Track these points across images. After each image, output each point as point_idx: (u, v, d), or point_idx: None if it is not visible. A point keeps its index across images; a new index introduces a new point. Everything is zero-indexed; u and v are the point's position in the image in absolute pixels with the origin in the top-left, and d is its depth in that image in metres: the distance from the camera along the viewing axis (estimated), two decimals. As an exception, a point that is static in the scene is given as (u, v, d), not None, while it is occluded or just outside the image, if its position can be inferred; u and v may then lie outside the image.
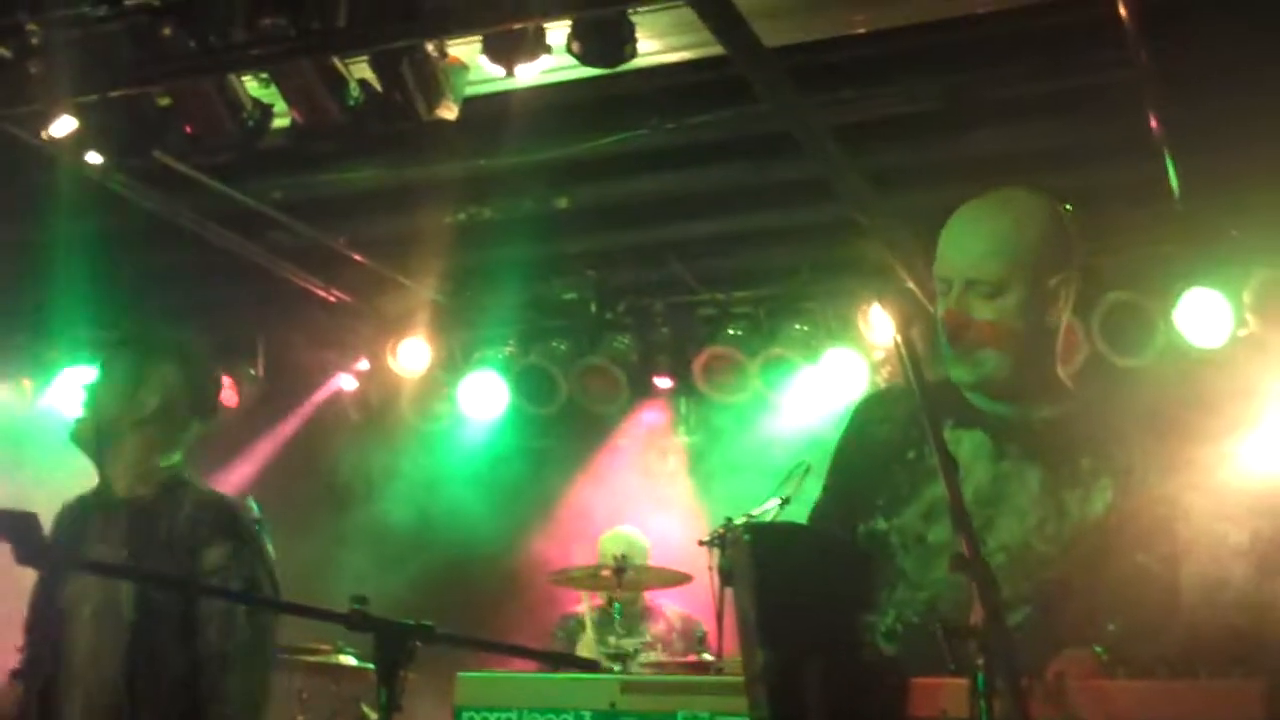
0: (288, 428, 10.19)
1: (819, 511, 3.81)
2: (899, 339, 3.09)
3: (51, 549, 3.02)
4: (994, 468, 3.51)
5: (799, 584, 2.89)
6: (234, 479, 9.49)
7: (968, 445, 3.53)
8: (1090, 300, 7.99)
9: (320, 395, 10.26)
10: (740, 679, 3.11)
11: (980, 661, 2.73)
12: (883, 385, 4.01)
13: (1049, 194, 3.65)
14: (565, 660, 5.57)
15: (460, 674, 3.30)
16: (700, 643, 7.86)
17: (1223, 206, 7.72)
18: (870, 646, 3.03)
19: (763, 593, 2.85)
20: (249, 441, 10.08)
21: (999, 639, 2.72)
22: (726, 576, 3.05)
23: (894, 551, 3.49)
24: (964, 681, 2.74)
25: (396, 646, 3.42)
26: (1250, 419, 7.66)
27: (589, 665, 4.40)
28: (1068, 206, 3.63)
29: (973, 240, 3.56)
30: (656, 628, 8.40)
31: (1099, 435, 3.58)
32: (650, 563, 8.25)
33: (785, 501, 7.62)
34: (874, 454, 3.69)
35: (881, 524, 3.58)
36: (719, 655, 7.23)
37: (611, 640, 7.62)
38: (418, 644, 3.46)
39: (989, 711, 2.70)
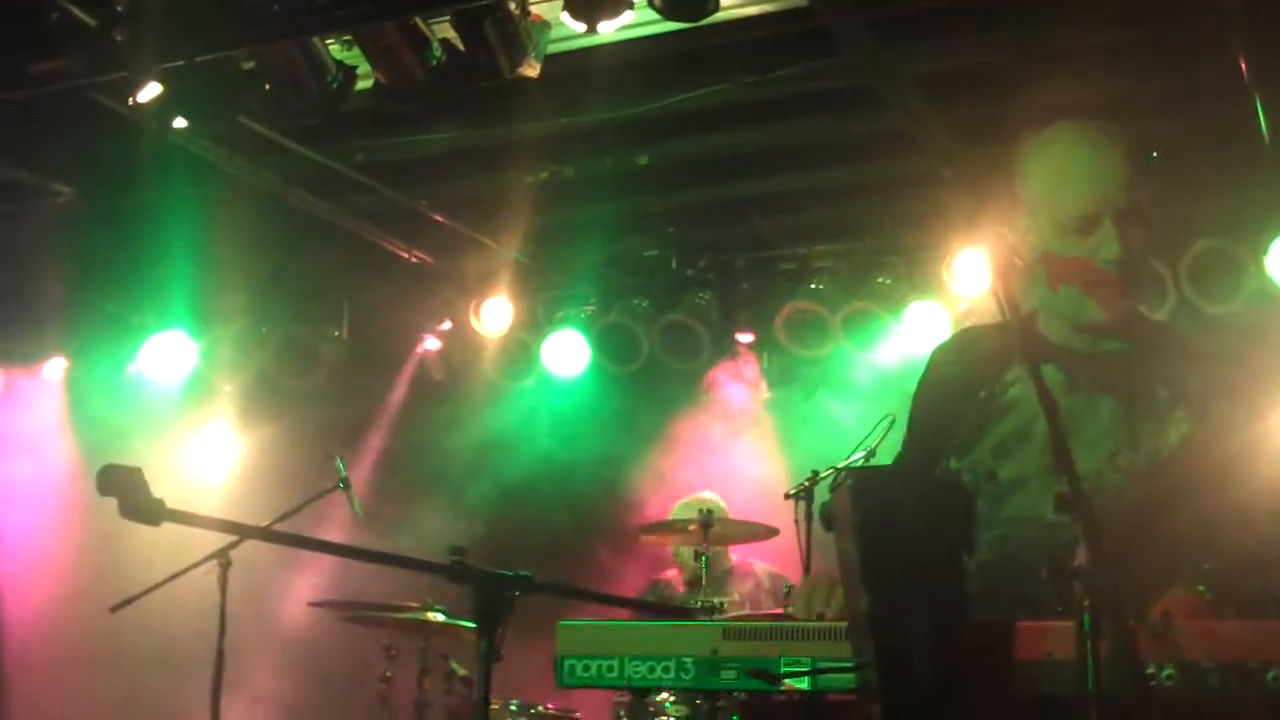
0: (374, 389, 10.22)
1: (901, 453, 3.85)
2: (1001, 286, 3.05)
3: (156, 503, 3.05)
4: (1066, 401, 3.44)
5: (902, 528, 2.87)
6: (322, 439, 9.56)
7: (1051, 380, 3.47)
8: (1179, 247, 7.91)
9: (405, 356, 10.29)
10: (843, 625, 3.12)
11: (1087, 603, 2.72)
12: (963, 328, 3.96)
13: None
14: (663, 610, 5.62)
15: (561, 622, 3.31)
16: (787, 596, 7.86)
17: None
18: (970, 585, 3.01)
19: (866, 538, 2.84)
20: (334, 401, 10.14)
21: (1105, 580, 2.71)
22: (828, 522, 3.03)
23: (960, 483, 3.50)
24: (1069, 623, 2.73)
25: (496, 597, 3.46)
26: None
27: (687, 614, 4.44)
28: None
29: (1059, 175, 3.49)
30: (744, 586, 8.42)
31: (1174, 366, 3.55)
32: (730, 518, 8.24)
33: (870, 454, 7.61)
34: (947, 396, 3.69)
35: (954, 463, 3.60)
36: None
37: (698, 602, 7.62)
38: (516, 594, 3.51)
39: (1095, 653, 2.69)
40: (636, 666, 3.25)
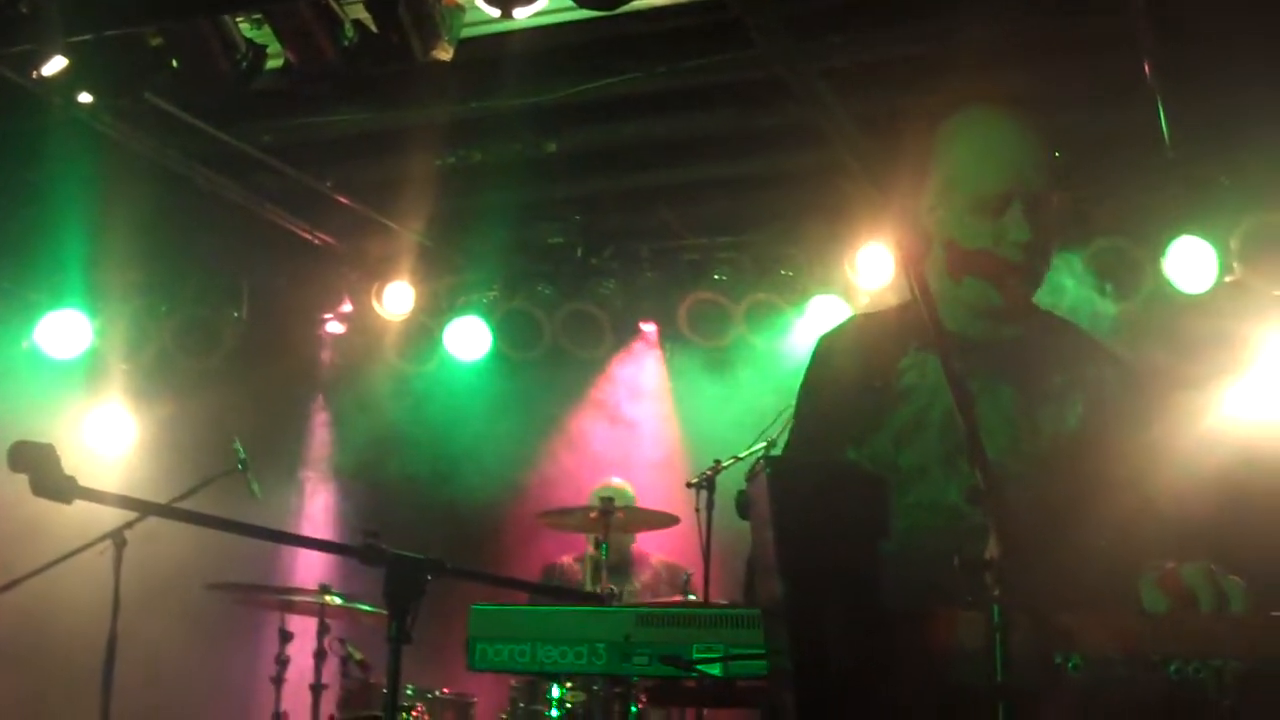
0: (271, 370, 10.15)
1: (794, 443, 3.79)
2: (915, 281, 3.07)
3: (68, 480, 3.03)
4: (981, 390, 3.44)
5: (818, 516, 2.89)
6: (219, 420, 9.48)
7: (933, 368, 3.48)
8: (1079, 244, 8.02)
9: (304, 337, 10.22)
10: (756, 612, 3.15)
11: (997, 594, 2.76)
12: (849, 316, 3.94)
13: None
14: (573, 596, 5.63)
15: (474, 606, 3.31)
16: (685, 585, 7.90)
17: (1213, 154, 7.75)
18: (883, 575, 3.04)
19: (782, 526, 2.86)
20: (231, 382, 10.05)
21: (1017, 572, 2.75)
22: (743, 511, 3.06)
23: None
24: (979, 614, 2.77)
25: (407, 580, 3.46)
26: (1233, 365, 7.74)
27: (598, 601, 4.46)
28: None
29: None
30: (643, 576, 8.45)
31: (1069, 352, 3.58)
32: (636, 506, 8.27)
33: (771, 444, 7.66)
34: (840, 384, 3.62)
35: (851, 452, 3.55)
36: (705, 597, 7.30)
37: (599, 589, 7.64)
38: (428, 577, 3.51)
39: (1004, 644, 2.73)
40: (549, 651, 3.26)
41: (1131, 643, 2.90)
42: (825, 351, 3.76)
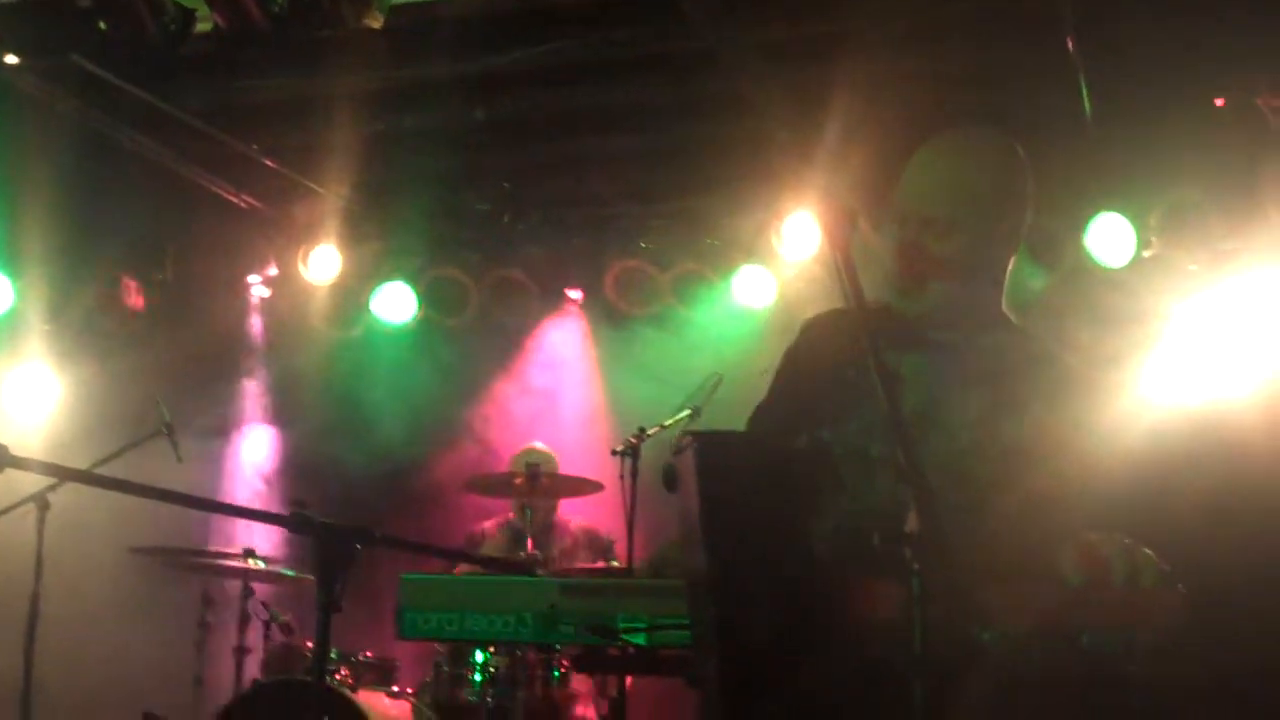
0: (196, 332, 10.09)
1: (764, 414, 3.94)
2: (838, 253, 3.15)
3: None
4: (932, 391, 3.63)
5: (744, 490, 2.96)
6: (143, 382, 9.43)
7: (908, 368, 3.64)
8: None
9: (228, 301, 10.17)
10: (680, 583, 3.21)
11: (916, 567, 2.83)
12: (836, 306, 4.04)
13: (1009, 138, 3.76)
14: (501, 565, 5.67)
15: (404, 575, 3.36)
16: (608, 552, 7.95)
17: (1133, 130, 7.84)
18: (811, 551, 3.10)
19: (709, 498, 2.93)
20: (156, 345, 9.99)
21: (934, 546, 2.82)
22: (670, 482, 3.13)
23: (836, 462, 3.60)
24: (898, 586, 2.84)
25: (337, 548, 3.48)
26: (1148, 340, 7.84)
27: (525, 569, 4.51)
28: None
29: (931, 180, 3.68)
30: (563, 542, 8.48)
31: (1030, 361, 3.70)
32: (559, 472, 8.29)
33: (695, 413, 7.73)
34: (820, 367, 3.78)
35: (825, 434, 3.69)
36: (628, 564, 7.36)
37: (521, 555, 7.66)
38: (358, 546, 3.53)
39: (922, 615, 2.80)
40: (477, 620, 3.31)
41: (1045, 615, 2.99)
42: (808, 335, 3.96)
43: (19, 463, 3.04)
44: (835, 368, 3.73)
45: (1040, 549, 3.34)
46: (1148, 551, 3.21)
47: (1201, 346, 7.80)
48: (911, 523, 2.87)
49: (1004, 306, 3.81)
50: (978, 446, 3.58)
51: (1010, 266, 3.78)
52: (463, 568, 6.71)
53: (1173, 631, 2.97)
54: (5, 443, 3.13)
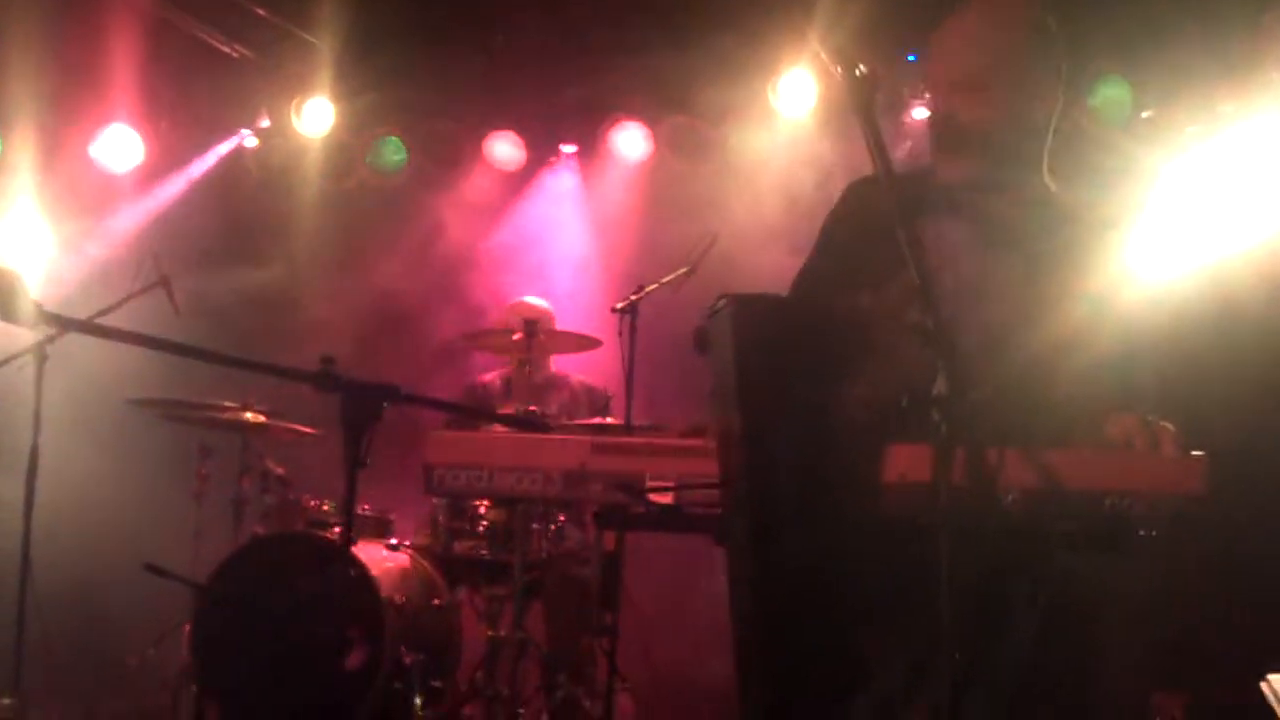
0: (192, 181, 10.03)
1: (810, 274, 3.95)
2: (864, 118, 3.16)
3: (34, 306, 3.04)
4: (978, 258, 3.63)
5: (777, 351, 3.00)
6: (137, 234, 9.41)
7: (952, 233, 3.65)
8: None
9: (221, 151, 10.11)
10: (710, 445, 3.25)
11: (943, 429, 2.87)
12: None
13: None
14: (519, 422, 5.71)
15: (433, 431, 3.40)
16: (605, 408, 8.00)
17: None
18: (840, 412, 3.14)
19: (742, 360, 2.96)
20: (150, 194, 9.94)
21: (962, 408, 2.86)
22: (702, 344, 3.17)
23: (873, 325, 3.62)
24: (925, 447, 2.88)
25: (363, 406, 3.52)
26: (1147, 201, 7.86)
27: (542, 428, 4.54)
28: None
29: (958, 41, 3.70)
30: (561, 396, 8.51)
31: (1055, 219, 3.71)
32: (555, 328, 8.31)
33: (691, 271, 7.74)
34: (864, 230, 3.76)
35: (865, 297, 3.67)
36: (625, 420, 7.41)
37: (519, 409, 7.69)
38: (384, 404, 3.57)
39: (946, 476, 2.84)
40: (505, 476, 3.35)
41: (1070, 477, 3.04)
42: (854, 196, 3.96)
43: (54, 320, 3.05)
44: (880, 230, 3.72)
45: (1083, 428, 3.37)
46: (1167, 425, 3.26)
47: (1199, 207, 7.82)
48: (940, 385, 2.90)
49: (1044, 174, 3.81)
50: (1020, 311, 3.59)
51: (1051, 128, 3.77)
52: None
53: (1194, 498, 3.03)
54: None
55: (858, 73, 3.17)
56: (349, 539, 3.62)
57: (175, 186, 9.94)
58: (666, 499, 3.26)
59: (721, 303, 3.03)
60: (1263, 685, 3.46)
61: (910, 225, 3.05)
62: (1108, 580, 3.22)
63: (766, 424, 2.95)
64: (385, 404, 3.52)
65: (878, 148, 3.19)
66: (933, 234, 3.56)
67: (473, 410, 7.02)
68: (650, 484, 3.27)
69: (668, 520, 3.38)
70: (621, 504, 3.36)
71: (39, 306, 3.04)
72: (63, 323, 3.10)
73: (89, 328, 3.46)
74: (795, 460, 2.97)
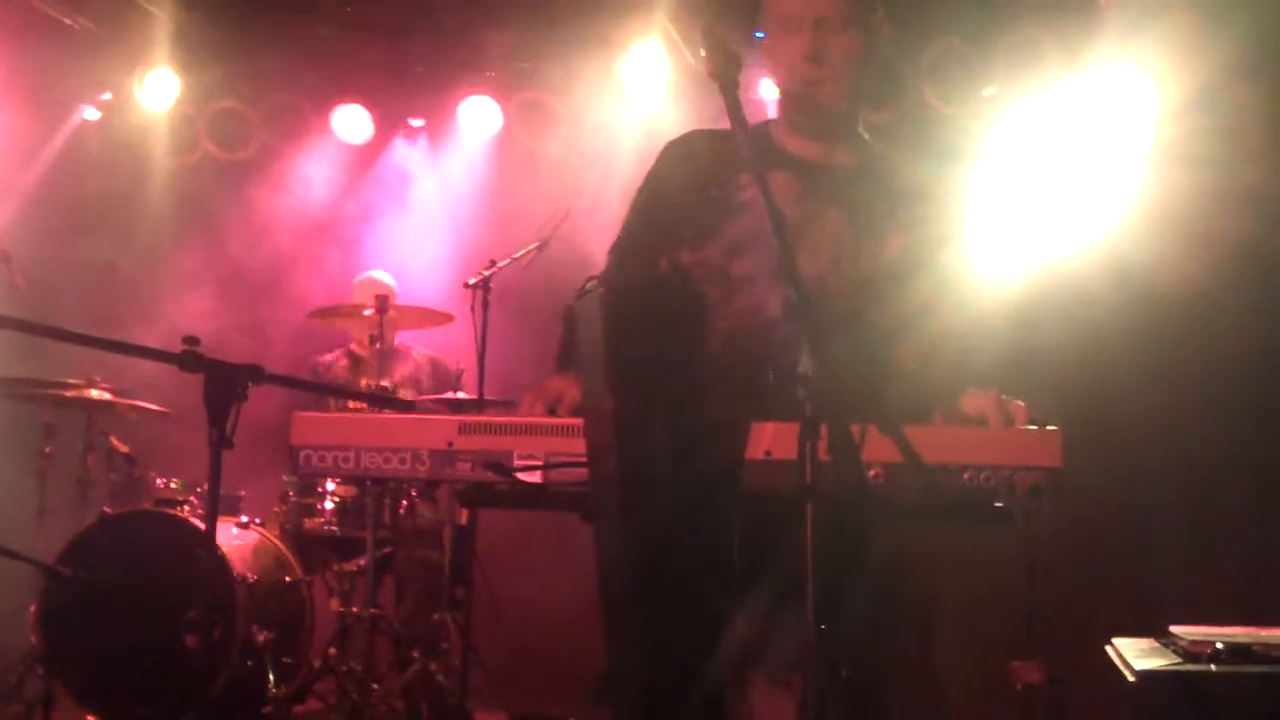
0: (32, 156, 9.82)
1: (624, 243, 3.94)
2: (723, 82, 3.19)
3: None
4: (796, 208, 3.64)
5: (646, 332, 3.04)
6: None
7: (774, 186, 3.65)
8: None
9: (62, 125, 9.92)
10: (572, 422, 3.28)
11: (808, 406, 2.92)
12: (693, 130, 4.05)
13: None
14: (383, 401, 5.70)
15: (298, 412, 3.39)
16: (456, 381, 8.00)
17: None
18: (708, 389, 3.19)
19: (614, 341, 2.99)
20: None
21: (828, 385, 2.91)
22: (570, 324, 3.21)
23: (698, 283, 3.66)
24: (791, 425, 2.94)
25: (228, 386, 3.51)
26: (987, 177, 8.01)
27: (406, 406, 4.54)
28: None
29: (792, 12, 3.69)
30: (405, 369, 8.50)
31: (891, 191, 3.77)
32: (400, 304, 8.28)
33: (544, 245, 7.79)
34: (677, 192, 3.80)
35: (686, 256, 3.71)
36: (478, 394, 7.43)
37: (365, 382, 7.67)
38: (248, 384, 3.56)
39: (813, 454, 2.90)
40: (373, 457, 3.36)
41: (929, 452, 3.12)
42: (668, 157, 3.92)
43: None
44: (699, 189, 3.76)
45: (924, 401, 3.46)
46: (1019, 403, 3.35)
47: (1037, 185, 7.99)
48: (804, 362, 2.96)
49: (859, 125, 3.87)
50: (837, 265, 3.66)
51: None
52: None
53: (1051, 469, 3.12)
54: None
55: (724, 54, 3.18)
56: (214, 518, 3.57)
57: (14, 161, 9.69)
58: (535, 477, 3.27)
59: (591, 283, 3.07)
60: (1108, 648, 3.57)
61: (777, 210, 3.08)
62: (964, 552, 3.31)
63: (637, 401, 2.99)
64: (250, 384, 3.50)
65: (740, 124, 3.23)
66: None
67: (338, 389, 6.97)
68: (519, 462, 3.28)
69: (535, 498, 3.40)
70: (488, 482, 3.37)
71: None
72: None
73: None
74: (663, 436, 3.02)
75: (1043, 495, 3.10)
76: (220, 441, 3.45)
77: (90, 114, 9.94)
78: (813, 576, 2.83)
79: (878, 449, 3.09)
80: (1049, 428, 3.20)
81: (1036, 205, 7.77)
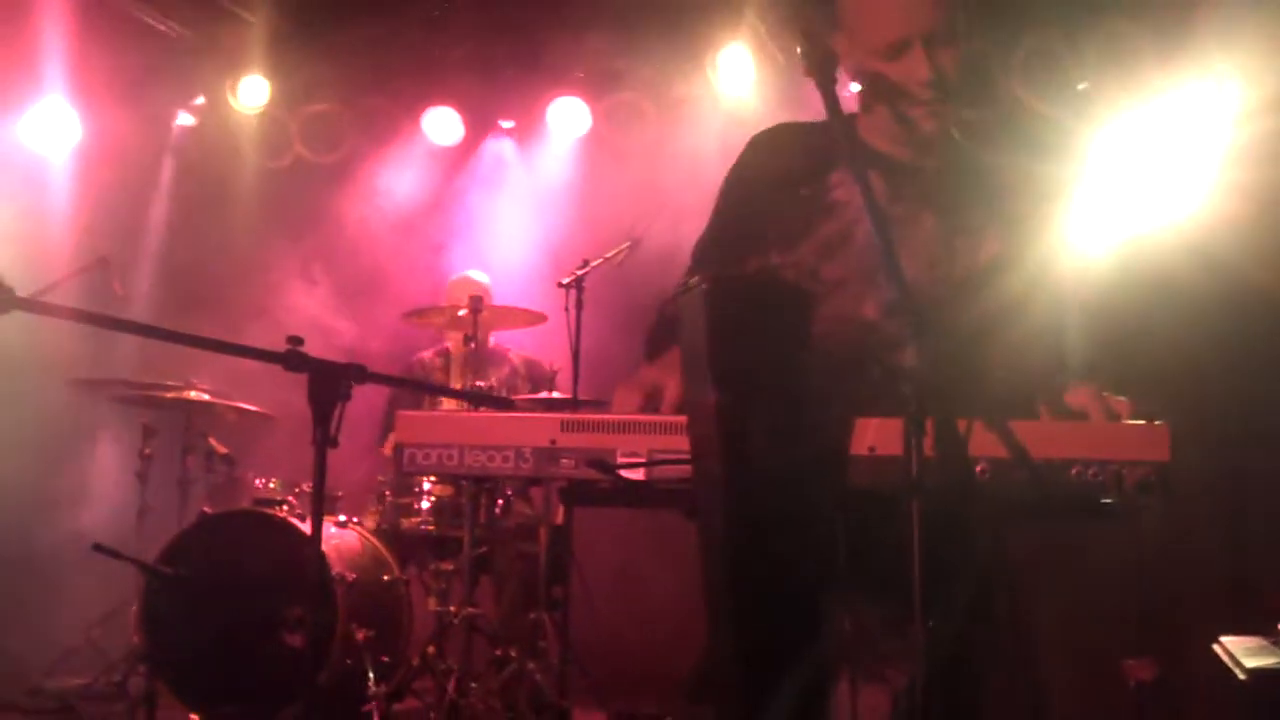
0: (127, 160, 9.93)
1: (706, 242, 3.89)
2: (820, 79, 3.17)
3: (7, 291, 3.04)
4: (889, 210, 3.57)
5: (749, 330, 3.03)
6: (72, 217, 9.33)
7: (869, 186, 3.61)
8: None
9: (163, 133, 10.04)
10: (673, 420, 3.28)
11: (914, 401, 2.91)
12: (780, 123, 3.99)
13: None
14: (482, 399, 5.73)
15: (401, 411, 3.42)
16: (549, 383, 8.02)
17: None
18: (813, 386, 3.16)
19: (716, 340, 2.99)
20: (85, 173, 9.85)
21: (934, 380, 2.90)
22: (663, 318, 3.23)
23: (789, 285, 3.60)
24: (895, 420, 2.93)
25: (332, 385, 3.54)
26: (1082, 174, 7.94)
27: (505, 405, 4.56)
28: None
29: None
30: (501, 371, 8.53)
31: (987, 190, 3.71)
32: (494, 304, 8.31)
33: (635, 243, 7.80)
34: (766, 188, 3.74)
35: (776, 256, 3.68)
36: (573, 395, 7.45)
37: (463, 386, 7.70)
38: (352, 383, 3.59)
39: (919, 449, 2.89)
40: (476, 455, 3.37)
41: (1036, 447, 3.10)
42: (756, 150, 3.84)
43: (26, 305, 3.05)
44: (789, 185, 3.70)
45: (1022, 398, 3.42)
46: (1122, 399, 3.31)
47: (1131, 180, 7.91)
48: (910, 357, 2.95)
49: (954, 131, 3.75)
50: (933, 268, 3.61)
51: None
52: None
53: (1159, 464, 3.09)
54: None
55: (821, 50, 3.17)
56: (320, 516, 3.60)
57: (112, 167, 9.82)
58: (638, 475, 3.28)
59: (693, 280, 3.07)
60: (1215, 647, 3.54)
61: (880, 210, 3.06)
62: (1070, 548, 3.28)
63: (740, 399, 2.98)
64: (353, 383, 3.53)
65: (838, 122, 3.22)
66: (850, 186, 3.59)
67: (437, 387, 6.98)
68: (622, 459, 3.29)
69: (638, 496, 3.40)
70: (590, 480, 3.37)
71: (12, 291, 3.03)
72: (30, 306, 3.08)
73: (58, 310, 3.44)
74: (768, 434, 3.01)
75: (1152, 490, 3.06)
76: (325, 440, 3.49)
77: (185, 119, 10.05)
78: (920, 573, 2.82)
79: (983, 444, 3.07)
80: (1156, 422, 3.16)
81: (1130, 198, 7.69)
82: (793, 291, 3.38)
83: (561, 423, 3.35)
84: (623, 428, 3.32)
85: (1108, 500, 3.09)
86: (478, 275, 8.68)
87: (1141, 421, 3.19)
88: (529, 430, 3.36)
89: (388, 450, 7.91)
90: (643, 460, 3.28)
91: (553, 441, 3.34)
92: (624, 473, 3.29)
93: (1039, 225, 3.70)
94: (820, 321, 3.52)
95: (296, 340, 3.52)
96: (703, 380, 3.01)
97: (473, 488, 7.20)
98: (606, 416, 3.34)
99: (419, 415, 3.44)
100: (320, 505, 3.57)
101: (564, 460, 3.33)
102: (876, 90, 3.66)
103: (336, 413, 3.53)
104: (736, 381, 2.99)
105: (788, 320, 3.08)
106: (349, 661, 6.94)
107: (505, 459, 3.36)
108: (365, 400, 7.26)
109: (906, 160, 3.70)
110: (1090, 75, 8.18)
